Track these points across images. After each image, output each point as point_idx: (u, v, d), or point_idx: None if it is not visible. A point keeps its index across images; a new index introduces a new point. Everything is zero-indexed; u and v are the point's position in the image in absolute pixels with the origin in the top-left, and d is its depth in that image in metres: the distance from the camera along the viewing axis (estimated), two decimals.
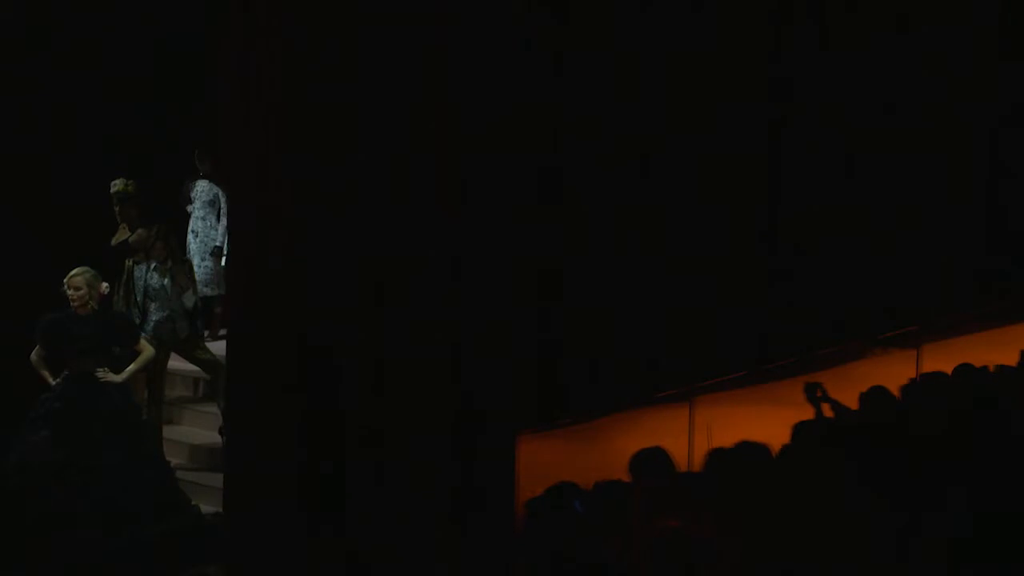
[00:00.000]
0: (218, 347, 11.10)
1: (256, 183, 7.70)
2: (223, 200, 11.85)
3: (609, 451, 7.54)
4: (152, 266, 9.84)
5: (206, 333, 11.33)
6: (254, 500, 7.81)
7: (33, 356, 8.88)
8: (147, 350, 9.06)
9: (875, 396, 7.30)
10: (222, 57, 7.81)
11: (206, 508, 9.33)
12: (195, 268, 10.98)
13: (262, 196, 7.67)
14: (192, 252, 11.73)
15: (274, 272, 7.65)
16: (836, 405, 7.38)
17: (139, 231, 10.18)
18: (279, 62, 7.48)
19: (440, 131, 7.47)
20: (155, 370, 9.71)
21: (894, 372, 8.49)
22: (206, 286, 11.59)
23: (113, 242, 10.43)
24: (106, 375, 8.77)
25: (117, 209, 10.45)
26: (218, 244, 11.84)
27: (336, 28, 7.42)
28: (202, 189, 11.91)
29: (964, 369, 7.73)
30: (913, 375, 8.70)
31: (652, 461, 6.22)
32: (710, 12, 8.77)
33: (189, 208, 12.00)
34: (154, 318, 9.82)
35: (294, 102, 7.50)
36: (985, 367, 7.83)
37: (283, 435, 7.61)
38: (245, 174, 7.81)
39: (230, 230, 8.66)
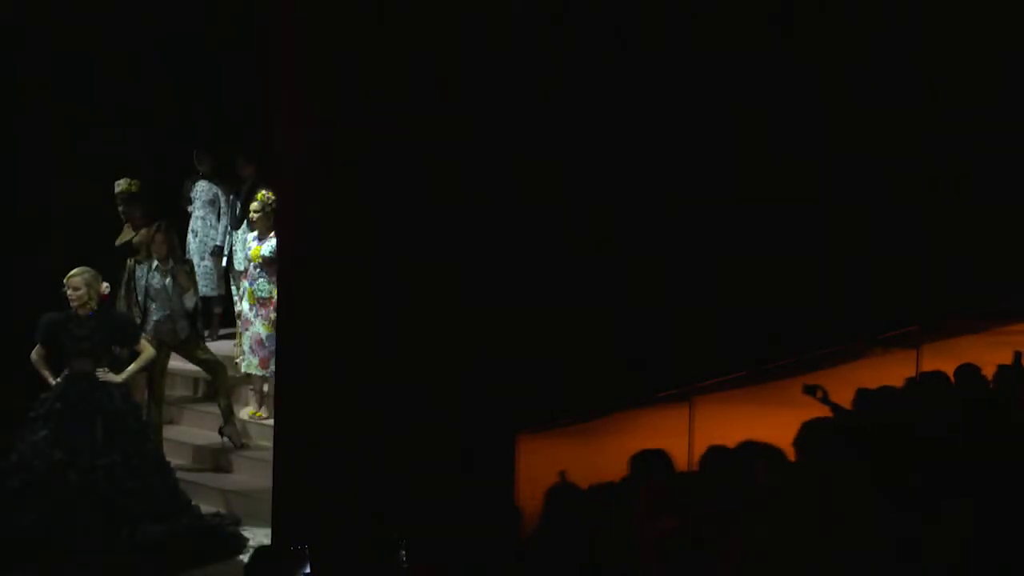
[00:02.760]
0: (218, 347, 11.12)
1: (300, 190, 7.74)
2: (223, 200, 11.87)
3: (609, 451, 7.53)
4: (153, 266, 9.84)
5: (206, 333, 11.34)
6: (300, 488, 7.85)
7: (33, 356, 8.88)
8: (147, 350, 9.06)
9: (875, 396, 7.30)
10: (274, 70, 7.80)
11: (206, 508, 9.35)
12: (195, 268, 10.99)
13: (305, 202, 7.71)
14: (192, 252, 11.74)
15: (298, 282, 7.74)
16: (836, 406, 7.37)
17: (143, 231, 10.20)
18: (329, 71, 7.51)
19: (449, 137, 7.51)
20: (155, 370, 9.72)
21: (894, 372, 8.48)
22: (205, 286, 11.60)
23: (117, 242, 10.45)
24: (106, 375, 8.77)
25: (121, 209, 10.47)
26: (218, 244, 11.85)
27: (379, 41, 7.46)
28: (202, 189, 11.92)
29: (966, 369, 7.72)
30: (913, 375, 8.69)
31: (652, 461, 6.23)
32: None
33: (189, 208, 12.01)
34: (154, 318, 9.82)
35: (344, 111, 7.51)
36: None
37: (322, 436, 7.67)
38: (292, 182, 7.83)
39: (277, 237, 8.72)
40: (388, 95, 7.44)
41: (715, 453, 6.22)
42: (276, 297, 10.21)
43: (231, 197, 11.84)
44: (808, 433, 6.47)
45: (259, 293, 10.27)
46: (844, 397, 7.40)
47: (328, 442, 7.60)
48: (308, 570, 5.34)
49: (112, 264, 9.94)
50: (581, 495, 5.88)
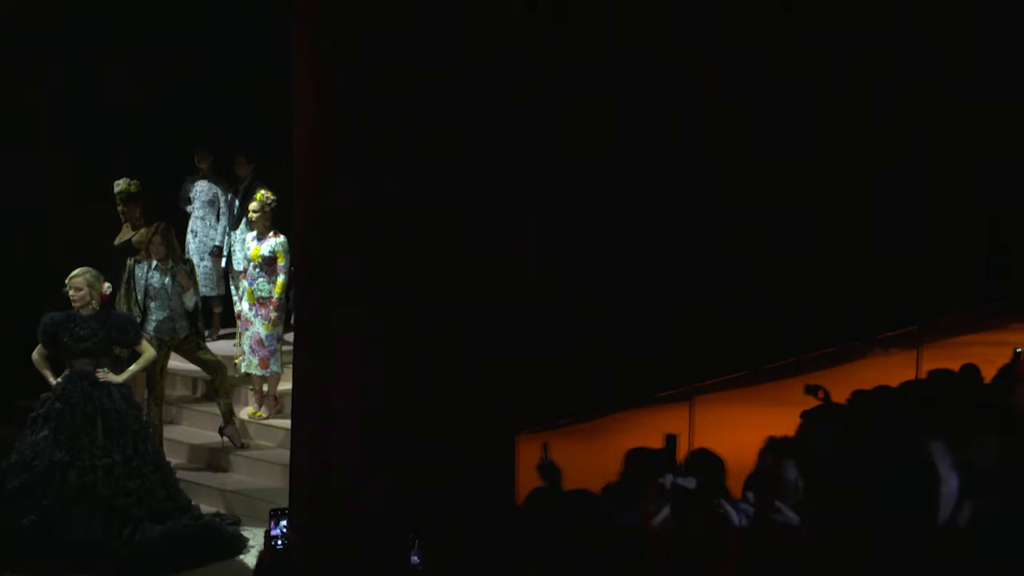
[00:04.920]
0: (218, 347, 11.12)
1: (314, 191, 7.75)
2: (222, 200, 11.87)
3: (609, 451, 7.54)
4: (153, 265, 9.83)
5: (207, 333, 11.34)
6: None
7: (35, 355, 8.88)
8: (148, 351, 9.05)
9: (875, 396, 7.31)
10: (295, 69, 7.81)
11: (206, 508, 9.35)
12: (195, 268, 10.99)
13: (318, 202, 7.73)
14: (191, 252, 11.74)
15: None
16: (837, 406, 7.39)
17: (142, 231, 10.20)
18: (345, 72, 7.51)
19: (449, 134, 7.52)
20: (155, 370, 9.72)
21: (894, 372, 8.50)
22: (205, 286, 11.60)
23: (117, 242, 10.44)
24: (106, 375, 8.77)
25: (120, 208, 10.47)
26: (217, 244, 11.85)
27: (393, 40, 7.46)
28: (201, 189, 11.92)
29: (966, 369, 7.74)
30: (913, 375, 8.71)
31: (648, 458, 6.28)
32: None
33: (188, 208, 12.01)
34: (154, 318, 9.81)
35: (357, 108, 7.51)
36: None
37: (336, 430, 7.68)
38: (310, 179, 7.85)
39: (295, 233, 8.75)
40: (402, 96, 7.44)
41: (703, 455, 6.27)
42: (275, 297, 10.25)
43: (230, 197, 11.85)
44: (808, 423, 6.52)
45: (259, 293, 10.27)
46: (844, 397, 7.41)
47: (337, 441, 7.61)
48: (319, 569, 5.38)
49: (112, 264, 9.94)
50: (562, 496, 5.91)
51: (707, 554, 5.11)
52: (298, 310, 8.23)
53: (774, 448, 6.38)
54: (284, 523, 5.54)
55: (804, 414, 6.86)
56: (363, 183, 7.54)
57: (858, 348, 9.76)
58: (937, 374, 7.63)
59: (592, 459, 7.67)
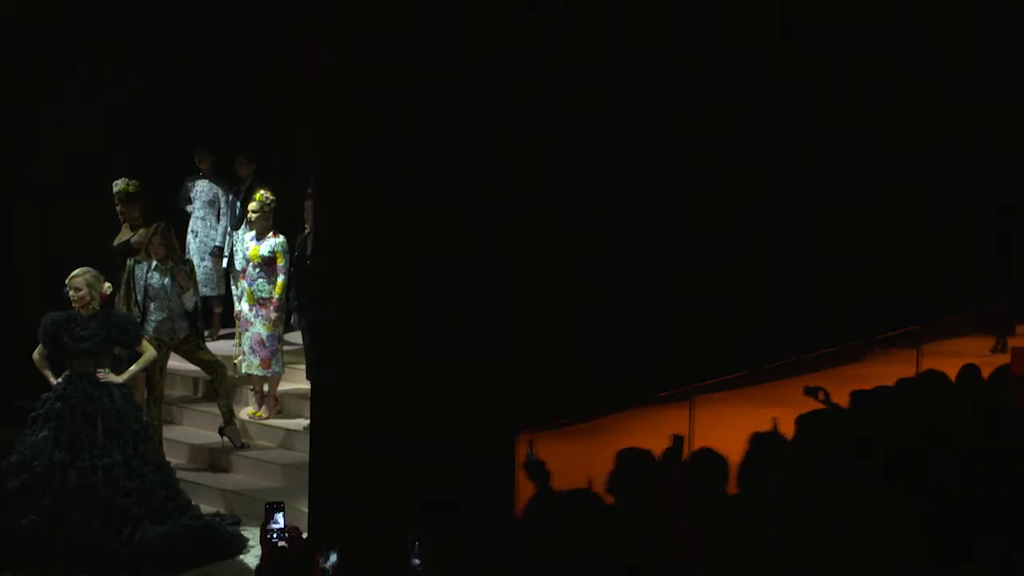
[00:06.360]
0: (218, 347, 11.13)
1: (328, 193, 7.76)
2: (222, 200, 11.88)
3: (609, 451, 7.54)
4: (153, 265, 9.84)
5: (207, 333, 11.35)
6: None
7: (35, 355, 8.89)
8: (148, 351, 9.06)
9: (874, 397, 7.31)
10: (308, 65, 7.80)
11: (206, 508, 9.36)
12: (195, 268, 10.99)
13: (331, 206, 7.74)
14: (192, 252, 11.75)
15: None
16: (837, 407, 7.38)
17: (141, 231, 10.21)
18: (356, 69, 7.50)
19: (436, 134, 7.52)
20: (155, 370, 9.72)
21: (894, 372, 8.49)
22: (205, 286, 11.61)
23: (116, 242, 10.45)
24: (107, 375, 8.77)
25: (119, 208, 10.48)
26: (218, 244, 11.86)
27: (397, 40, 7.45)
28: (201, 189, 11.93)
29: (966, 369, 7.73)
30: (913, 375, 8.69)
31: (638, 458, 6.30)
32: None
33: (188, 208, 12.02)
34: (154, 318, 9.82)
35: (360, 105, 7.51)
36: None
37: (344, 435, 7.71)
38: (323, 185, 7.85)
39: (312, 235, 8.71)
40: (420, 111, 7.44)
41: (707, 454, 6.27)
42: (275, 297, 10.25)
43: (231, 197, 11.85)
44: (806, 427, 6.51)
45: (258, 293, 10.27)
46: (844, 397, 7.41)
47: (341, 441, 7.62)
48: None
49: (112, 264, 9.95)
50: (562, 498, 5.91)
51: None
52: (310, 309, 8.25)
53: (757, 451, 6.36)
54: (280, 515, 5.53)
55: (799, 419, 6.86)
56: (364, 182, 7.55)
57: (858, 348, 9.75)
58: (930, 375, 7.63)
59: (592, 459, 7.66)
